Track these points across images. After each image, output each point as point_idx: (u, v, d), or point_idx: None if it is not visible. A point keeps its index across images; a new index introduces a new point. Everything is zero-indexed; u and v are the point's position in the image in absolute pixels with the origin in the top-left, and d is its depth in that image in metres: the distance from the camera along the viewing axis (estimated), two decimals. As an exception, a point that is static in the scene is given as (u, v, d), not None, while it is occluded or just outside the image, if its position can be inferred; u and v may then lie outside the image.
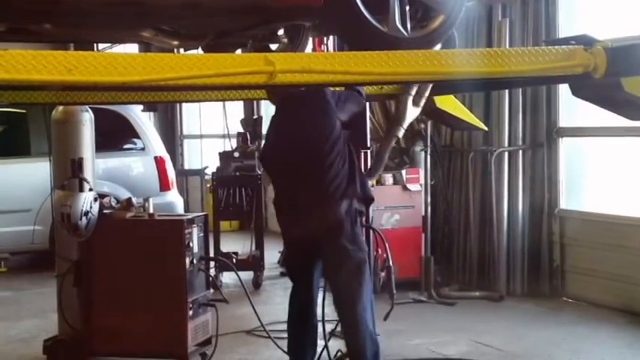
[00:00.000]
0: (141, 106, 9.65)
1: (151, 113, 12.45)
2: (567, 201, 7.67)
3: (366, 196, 4.76)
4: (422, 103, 4.60)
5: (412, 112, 4.64)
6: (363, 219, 4.83)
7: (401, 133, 4.82)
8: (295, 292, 5.06)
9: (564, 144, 7.67)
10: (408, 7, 3.80)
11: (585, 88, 3.99)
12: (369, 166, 5.06)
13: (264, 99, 5.41)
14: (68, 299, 5.54)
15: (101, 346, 5.50)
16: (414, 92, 4.54)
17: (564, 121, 7.62)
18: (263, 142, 6.07)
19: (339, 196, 4.59)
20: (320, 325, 5.17)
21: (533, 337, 6.38)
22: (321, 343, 5.20)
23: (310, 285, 4.96)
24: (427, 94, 4.59)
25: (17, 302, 8.00)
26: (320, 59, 3.26)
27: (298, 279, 5.04)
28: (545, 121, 7.70)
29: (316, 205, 4.65)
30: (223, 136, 10.04)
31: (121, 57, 2.85)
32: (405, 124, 4.70)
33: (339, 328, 6.04)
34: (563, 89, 7.10)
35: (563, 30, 7.38)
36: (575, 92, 4.17)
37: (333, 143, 4.61)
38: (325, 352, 5.25)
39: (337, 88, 4.75)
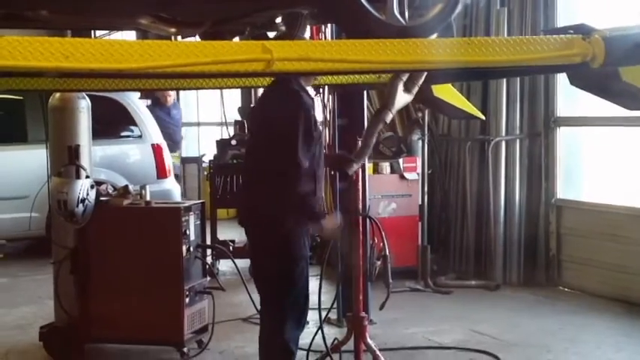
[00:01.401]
0: (138, 94, 9.65)
1: (149, 101, 12.43)
2: (564, 190, 7.68)
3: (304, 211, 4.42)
4: (414, 90, 4.56)
5: (403, 98, 4.59)
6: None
7: (389, 118, 4.77)
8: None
9: (562, 133, 7.67)
10: (406, -4, 3.78)
11: (583, 77, 3.99)
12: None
13: (262, 87, 5.38)
14: (64, 286, 5.54)
15: (97, 333, 5.51)
16: (405, 78, 4.52)
17: (562, 110, 7.63)
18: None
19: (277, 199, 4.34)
20: (315, 313, 5.18)
21: (530, 326, 6.39)
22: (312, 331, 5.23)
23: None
24: (420, 81, 4.56)
25: (13, 289, 8.00)
26: (318, 47, 3.25)
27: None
28: (543, 110, 7.70)
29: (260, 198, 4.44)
30: (221, 124, 10.03)
31: (118, 44, 2.83)
32: (394, 110, 4.65)
33: (332, 315, 6.08)
34: (561, 78, 7.10)
35: (562, 19, 7.37)
36: (573, 81, 4.17)
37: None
38: (321, 339, 5.25)
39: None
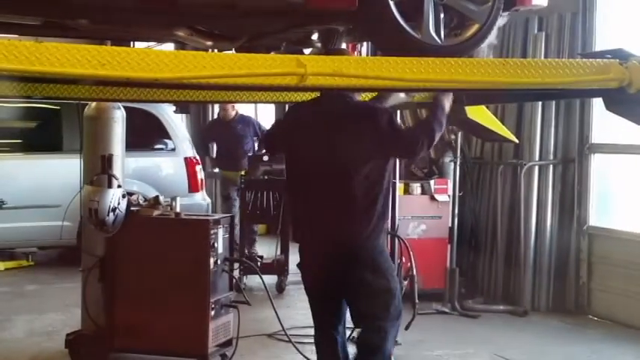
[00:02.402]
0: (173, 107, 9.70)
1: (184, 115, 12.48)
2: (597, 218, 7.59)
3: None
4: (414, 95, 4.62)
5: (398, 98, 4.62)
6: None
7: None
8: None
9: (596, 160, 7.59)
10: (442, 15, 3.79)
11: (619, 102, 3.94)
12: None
13: (293, 102, 5.39)
14: (92, 294, 5.57)
15: (123, 342, 5.52)
16: None
17: (597, 136, 7.55)
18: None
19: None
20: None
21: (557, 354, 6.31)
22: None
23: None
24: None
25: (42, 296, 8.08)
26: (352, 63, 3.25)
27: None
28: (578, 136, 7.63)
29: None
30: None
31: (153, 53, 2.86)
32: (387, 105, 4.67)
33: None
34: (597, 104, 7.03)
35: (600, 45, 7.32)
36: (609, 107, 4.12)
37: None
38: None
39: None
